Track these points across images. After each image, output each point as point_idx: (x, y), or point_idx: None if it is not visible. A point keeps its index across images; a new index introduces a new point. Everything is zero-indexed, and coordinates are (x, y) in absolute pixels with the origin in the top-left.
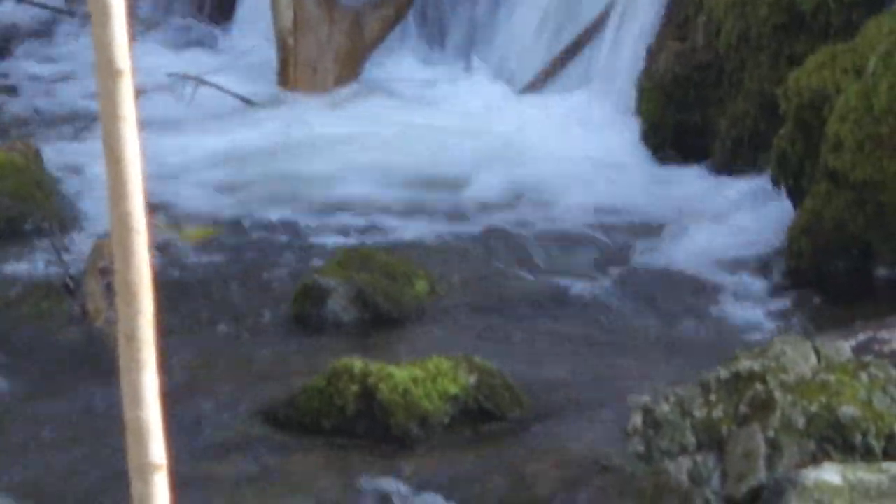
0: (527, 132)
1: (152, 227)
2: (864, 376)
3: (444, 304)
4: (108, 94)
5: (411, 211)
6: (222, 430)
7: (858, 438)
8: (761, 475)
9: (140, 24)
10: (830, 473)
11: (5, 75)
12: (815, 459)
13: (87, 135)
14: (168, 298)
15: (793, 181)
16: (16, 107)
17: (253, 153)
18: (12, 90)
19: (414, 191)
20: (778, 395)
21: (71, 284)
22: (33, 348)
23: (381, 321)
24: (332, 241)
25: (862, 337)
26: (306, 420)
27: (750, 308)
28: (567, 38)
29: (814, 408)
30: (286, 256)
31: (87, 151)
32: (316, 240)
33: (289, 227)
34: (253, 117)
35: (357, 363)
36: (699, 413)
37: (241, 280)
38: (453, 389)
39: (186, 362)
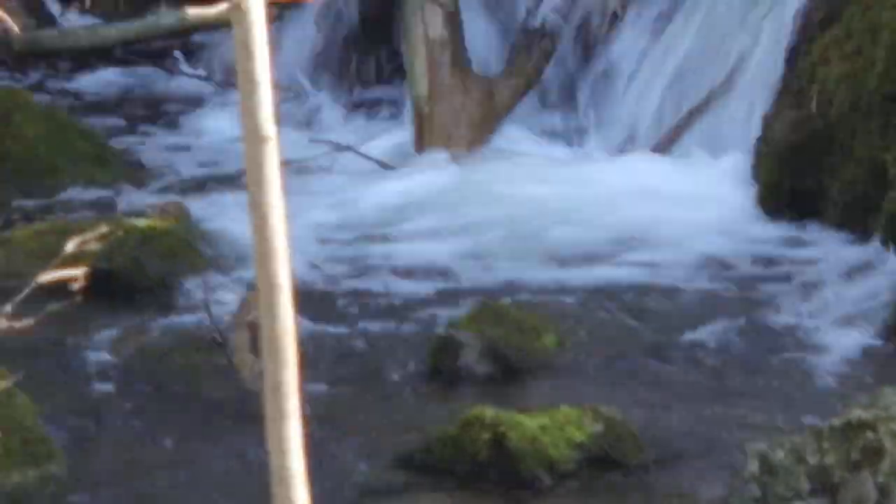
0: (646, 195)
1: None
2: None
3: (571, 356)
4: (255, 160)
5: (540, 268)
6: (363, 475)
7: None
8: None
9: (286, 92)
10: None
11: (159, 141)
12: None
13: (236, 197)
14: (310, 350)
15: None
16: (168, 171)
17: (389, 212)
18: (166, 155)
19: (541, 250)
20: (888, 442)
21: (220, 338)
22: (185, 398)
23: (511, 373)
24: (466, 296)
25: None
26: (441, 466)
27: (860, 361)
28: (687, 105)
29: None
30: (422, 310)
31: (236, 213)
32: (450, 295)
33: (424, 282)
34: (391, 179)
35: (489, 412)
36: (812, 460)
37: (380, 333)
38: (579, 437)
39: (328, 411)
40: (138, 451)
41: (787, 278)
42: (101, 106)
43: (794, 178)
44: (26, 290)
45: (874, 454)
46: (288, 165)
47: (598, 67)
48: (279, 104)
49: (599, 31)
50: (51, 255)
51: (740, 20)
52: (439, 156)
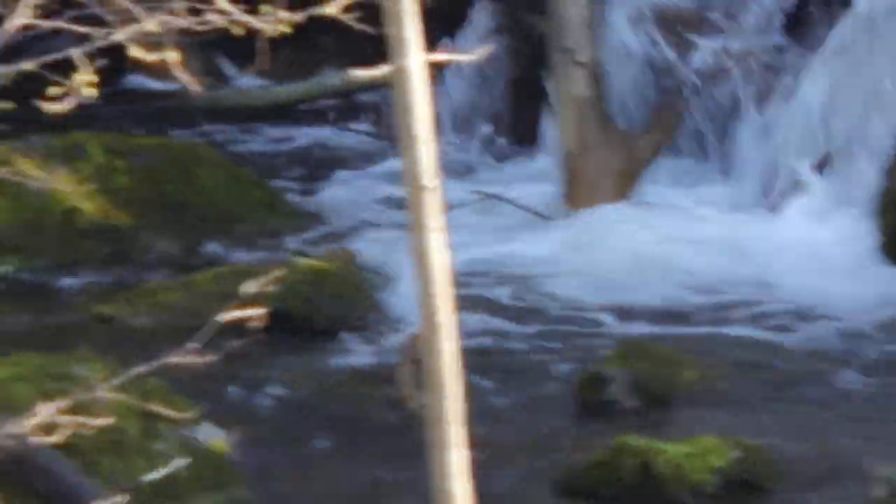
0: (778, 243)
1: None
2: None
3: (712, 389)
4: (417, 208)
5: (682, 309)
6: (521, 499)
7: None
8: None
9: (445, 145)
10: None
11: (327, 191)
12: None
13: (400, 242)
14: (472, 383)
15: None
16: (337, 218)
17: (541, 258)
18: (334, 204)
19: (683, 292)
20: None
21: (387, 373)
22: (355, 428)
23: (656, 405)
24: (613, 335)
25: None
26: (592, 489)
27: None
28: (816, 156)
29: None
30: (574, 347)
31: (400, 257)
32: (598, 335)
33: (574, 323)
34: (542, 229)
35: (636, 440)
36: None
37: (534, 368)
38: (720, 463)
39: (488, 440)
40: (314, 477)
41: None
42: (273, 158)
43: None
44: (208, 329)
45: None
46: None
47: (735, 120)
48: (439, 157)
49: (740, 92)
50: (230, 297)
51: (864, 73)
52: (586, 207)
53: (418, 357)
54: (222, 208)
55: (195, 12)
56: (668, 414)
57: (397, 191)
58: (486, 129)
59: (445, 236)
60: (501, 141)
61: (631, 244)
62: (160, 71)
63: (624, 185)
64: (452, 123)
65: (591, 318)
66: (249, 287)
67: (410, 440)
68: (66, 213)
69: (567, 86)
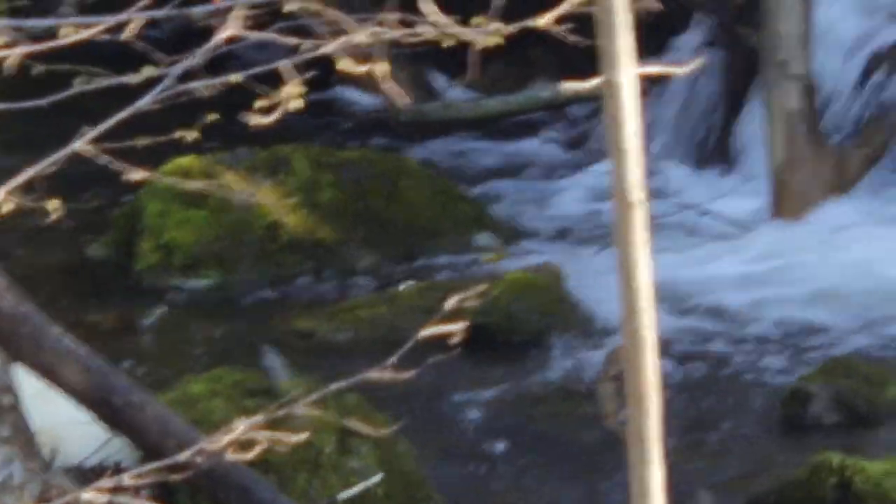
0: None
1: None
2: None
3: None
4: (623, 223)
5: (888, 325)
6: None
7: None
8: None
9: (653, 158)
10: None
11: (535, 206)
12: None
13: (606, 257)
14: (673, 397)
15: None
16: (543, 233)
17: (744, 272)
18: (541, 219)
19: (889, 307)
20: None
21: (588, 388)
22: (555, 444)
23: (858, 422)
24: (815, 351)
25: None
26: None
27: None
28: None
29: None
30: (777, 362)
31: (605, 271)
32: (800, 350)
33: (780, 334)
34: (747, 243)
35: (835, 458)
36: None
37: (736, 384)
38: None
39: (686, 457)
40: (510, 495)
41: None
42: (480, 172)
43: None
44: (409, 343)
45: None
46: (654, 227)
47: None
48: (646, 173)
49: None
50: (434, 311)
51: None
52: (795, 221)
53: (620, 373)
54: (428, 223)
55: (406, 24)
56: (870, 432)
57: (605, 205)
58: (694, 143)
59: (651, 251)
60: (709, 155)
61: (838, 257)
62: (368, 83)
63: (833, 199)
64: (661, 137)
65: (795, 332)
66: (452, 301)
67: (611, 457)
68: (268, 226)
69: (779, 98)
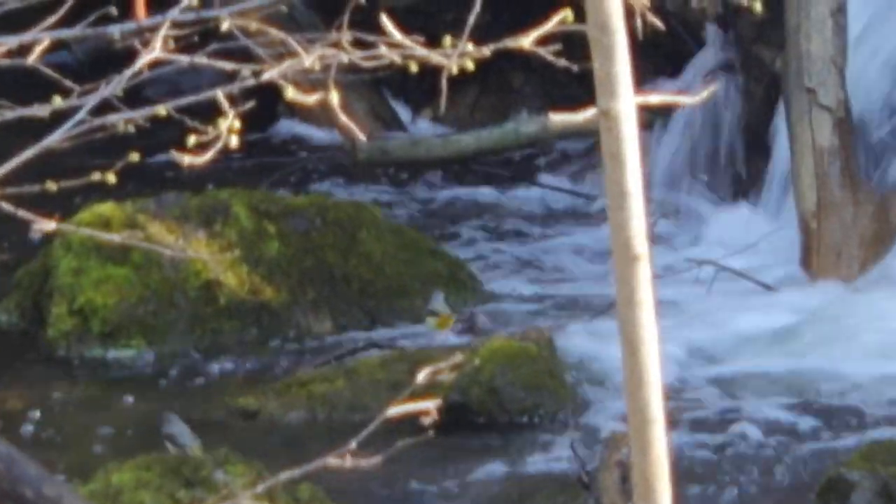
0: None
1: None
2: None
3: None
4: (625, 279)
5: None
6: None
7: None
8: None
9: (655, 207)
10: None
11: (520, 260)
12: None
13: (602, 321)
14: (690, 488)
15: None
16: (529, 293)
17: (769, 336)
18: (526, 276)
19: None
20: None
21: (586, 478)
22: None
23: None
24: (856, 430)
25: None
26: None
27: None
28: None
29: None
30: (811, 444)
31: (602, 338)
32: (838, 428)
33: (809, 414)
34: (773, 302)
35: None
36: None
37: (761, 468)
38: None
39: None
40: None
41: None
42: (453, 221)
43: None
44: (373, 425)
45: None
46: (659, 281)
47: None
48: (651, 219)
49: None
50: (400, 387)
51: None
52: (827, 276)
53: (625, 460)
54: (391, 281)
55: (363, 45)
56: None
57: (604, 260)
58: (705, 182)
59: (658, 313)
60: (724, 197)
61: (878, 323)
62: (320, 116)
63: (874, 251)
64: (665, 177)
65: (830, 410)
66: (423, 375)
67: None
68: (203, 286)
69: (807, 132)
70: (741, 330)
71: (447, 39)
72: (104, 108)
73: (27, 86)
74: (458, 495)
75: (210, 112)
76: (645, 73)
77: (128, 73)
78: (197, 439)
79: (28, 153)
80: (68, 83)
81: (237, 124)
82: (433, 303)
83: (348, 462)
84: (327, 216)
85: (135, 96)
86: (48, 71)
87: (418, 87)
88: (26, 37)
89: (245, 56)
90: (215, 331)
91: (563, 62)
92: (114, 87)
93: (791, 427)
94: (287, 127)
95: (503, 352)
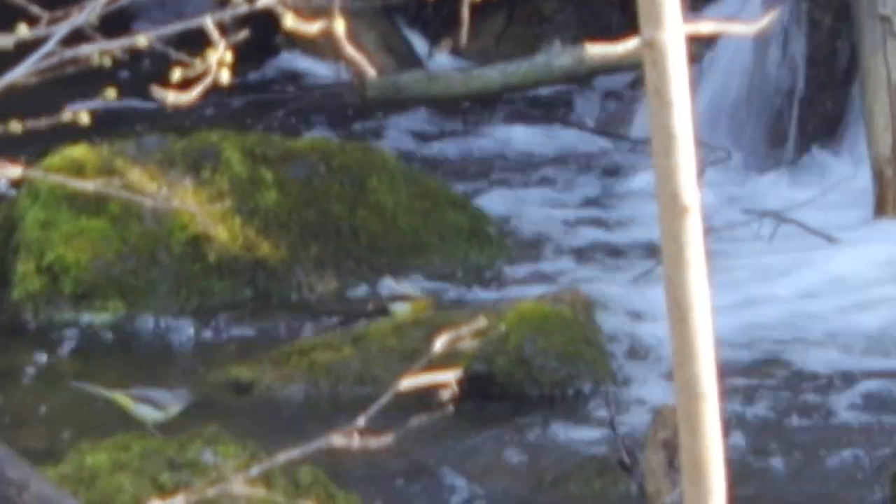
0: None
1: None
2: None
3: None
4: (673, 234)
5: None
6: None
7: None
8: None
9: (708, 153)
10: None
11: (550, 210)
12: None
13: (647, 281)
14: (739, 474)
15: None
16: (561, 248)
17: (834, 292)
18: (558, 228)
19: None
20: None
21: (627, 460)
22: None
23: None
24: None
25: None
26: None
27: None
28: None
29: None
30: (879, 424)
31: (646, 301)
32: None
33: (884, 390)
34: (842, 255)
35: None
36: None
37: (828, 448)
38: None
39: None
40: None
41: None
42: (476, 168)
43: None
44: (384, 399)
45: None
46: (711, 236)
47: None
48: (701, 165)
49: None
50: (415, 356)
51: None
52: None
53: (671, 438)
54: (405, 236)
55: None
56: None
57: (649, 211)
58: (764, 125)
59: (710, 272)
60: (786, 140)
61: None
62: (324, 48)
63: None
64: (714, 118)
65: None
66: (441, 342)
67: None
68: (190, 241)
69: (882, 66)
70: (805, 287)
71: None
72: (77, 38)
73: None
74: (480, 479)
75: (198, 43)
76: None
77: None
78: (180, 401)
79: None
80: (36, 9)
81: (229, 57)
82: (390, 287)
83: (355, 441)
84: (332, 162)
85: (113, 25)
86: None
87: (436, 14)
88: None
89: None
90: (204, 292)
91: None
92: (88, 13)
93: (860, 403)
94: (286, 60)
95: (533, 316)
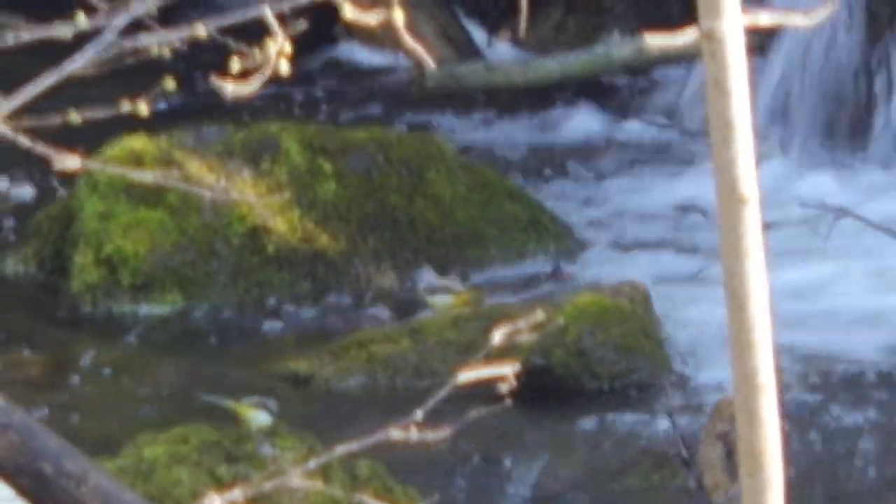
0: None
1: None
2: None
3: None
4: (731, 225)
5: None
6: None
7: None
8: None
9: (766, 145)
10: None
11: (609, 203)
12: None
13: (706, 273)
14: (797, 467)
15: None
16: (621, 241)
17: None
18: (617, 221)
19: None
20: None
21: (685, 453)
22: None
23: None
24: None
25: None
26: None
27: None
28: None
29: None
30: None
31: (705, 292)
32: None
33: None
34: None
35: None
36: None
37: (890, 444)
38: None
39: None
40: None
41: None
42: (534, 158)
43: None
44: (442, 393)
45: None
46: (770, 230)
47: None
48: (760, 158)
49: None
50: (473, 349)
51: None
52: None
53: (729, 432)
54: (463, 227)
55: None
56: None
57: (707, 203)
58: (824, 117)
59: (768, 263)
60: (843, 133)
61: None
62: (383, 38)
63: None
64: (771, 111)
65: None
66: (499, 335)
67: None
68: (249, 233)
69: None
70: (866, 282)
71: None
72: (136, 28)
73: (48, 3)
74: (538, 472)
75: (257, 34)
76: None
77: None
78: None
79: (48, 80)
80: (94, 1)
81: (288, 48)
82: (428, 279)
83: (414, 434)
84: (390, 153)
85: (172, 17)
86: None
87: (495, 5)
88: None
89: None
90: (262, 284)
91: None
92: (147, 4)
93: None
94: (345, 51)
95: (592, 309)
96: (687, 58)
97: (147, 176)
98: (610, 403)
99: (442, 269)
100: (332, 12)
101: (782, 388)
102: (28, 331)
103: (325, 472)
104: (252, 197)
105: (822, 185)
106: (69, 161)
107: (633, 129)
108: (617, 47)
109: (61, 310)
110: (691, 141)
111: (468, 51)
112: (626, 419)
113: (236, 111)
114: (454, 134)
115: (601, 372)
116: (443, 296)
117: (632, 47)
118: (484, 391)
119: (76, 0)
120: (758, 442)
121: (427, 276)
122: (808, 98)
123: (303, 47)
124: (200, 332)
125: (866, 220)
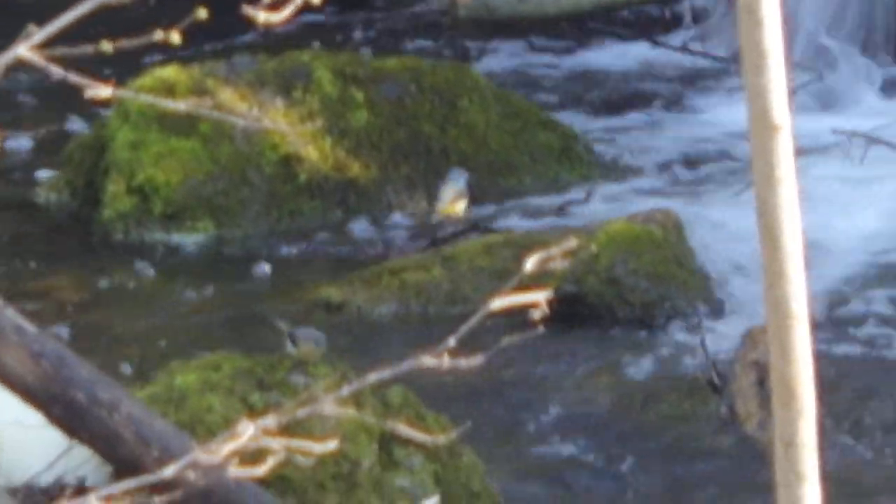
0: None
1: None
2: None
3: None
4: (763, 153)
5: None
6: None
7: None
8: None
9: (800, 72)
10: None
11: (641, 131)
12: None
13: (738, 201)
14: (831, 395)
15: None
16: (653, 169)
17: None
18: (649, 149)
19: None
20: None
21: (717, 381)
22: (669, 455)
23: None
24: None
25: None
26: None
27: None
28: None
29: None
30: None
31: (738, 221)
32: None
33: None
34: None
35: None
36: None
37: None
38: None
39: (850, 472)
40: None
41: None
42: (567, 88)
43: None
44: (474, 320)
45: None
46: (805, 158)
47: None
48: (794, 83)
49: None
50: (505, 276)
51: None
52: None
53: (762, 360)
54: (496, 156)
55: None
56: None
57: (739, 131)
58: (866, 40)
59: (801, 191)
60: (879, 56)
61: None
62: None
63: None
64: (808, 37)
65: None
66: (531, 262)
67: (748, 473)
68: (281, 161)
69: None
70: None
71: None
72: None
73: None
74: (571, 399)
75: None
76: None
77: None
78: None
79: (81, 9)
80: None
81: None
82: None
83: (446, 362)
84: (423, 81)
85: None
86: None
87: None
88: None
89: None
90: (294, 212)
91: None
92: None
93: None
94: None
95: (624, 236)
96: None
97: (179, 105)
98: (642, 331)
99: (473, 198)
100: None
101: (817, 319)
102: (60, 259)
103: (357, 400)
104: (284, 125)
105: (858, 111)
106: (101, 90)
107: (665, 56)
108: None
109: (93, 237)
110: (724, 68)
111: None
112: (659, 347)
113: (269, 40)
114: (487, 63)
115: (633, 300)
116: (456, 200)
117: None
118: (516, 318)
119: None
120: (790, 371)
121: (456, 179)
122: (847, 25)
123: None
124: (232, 260)
125: (893, 144)
